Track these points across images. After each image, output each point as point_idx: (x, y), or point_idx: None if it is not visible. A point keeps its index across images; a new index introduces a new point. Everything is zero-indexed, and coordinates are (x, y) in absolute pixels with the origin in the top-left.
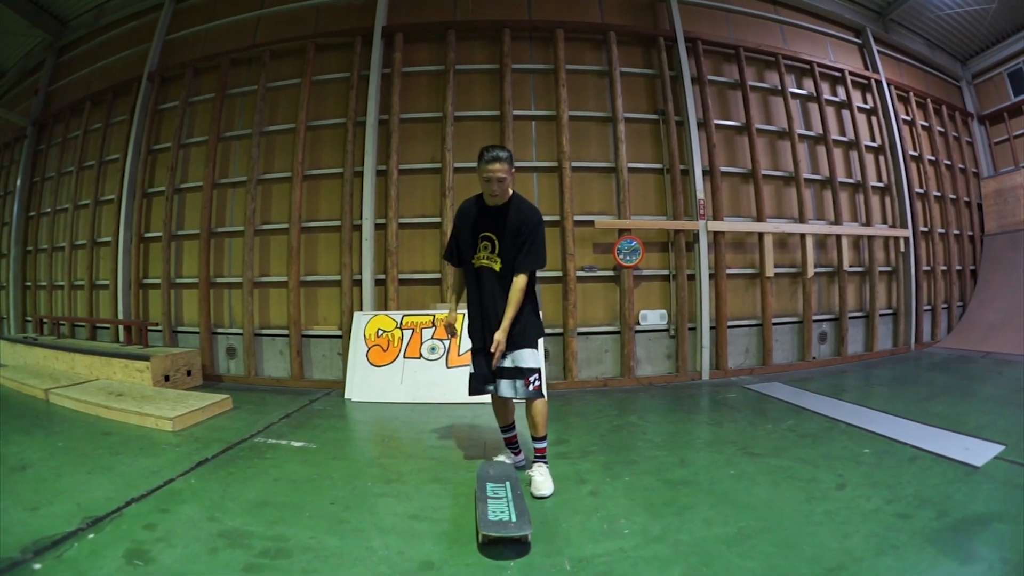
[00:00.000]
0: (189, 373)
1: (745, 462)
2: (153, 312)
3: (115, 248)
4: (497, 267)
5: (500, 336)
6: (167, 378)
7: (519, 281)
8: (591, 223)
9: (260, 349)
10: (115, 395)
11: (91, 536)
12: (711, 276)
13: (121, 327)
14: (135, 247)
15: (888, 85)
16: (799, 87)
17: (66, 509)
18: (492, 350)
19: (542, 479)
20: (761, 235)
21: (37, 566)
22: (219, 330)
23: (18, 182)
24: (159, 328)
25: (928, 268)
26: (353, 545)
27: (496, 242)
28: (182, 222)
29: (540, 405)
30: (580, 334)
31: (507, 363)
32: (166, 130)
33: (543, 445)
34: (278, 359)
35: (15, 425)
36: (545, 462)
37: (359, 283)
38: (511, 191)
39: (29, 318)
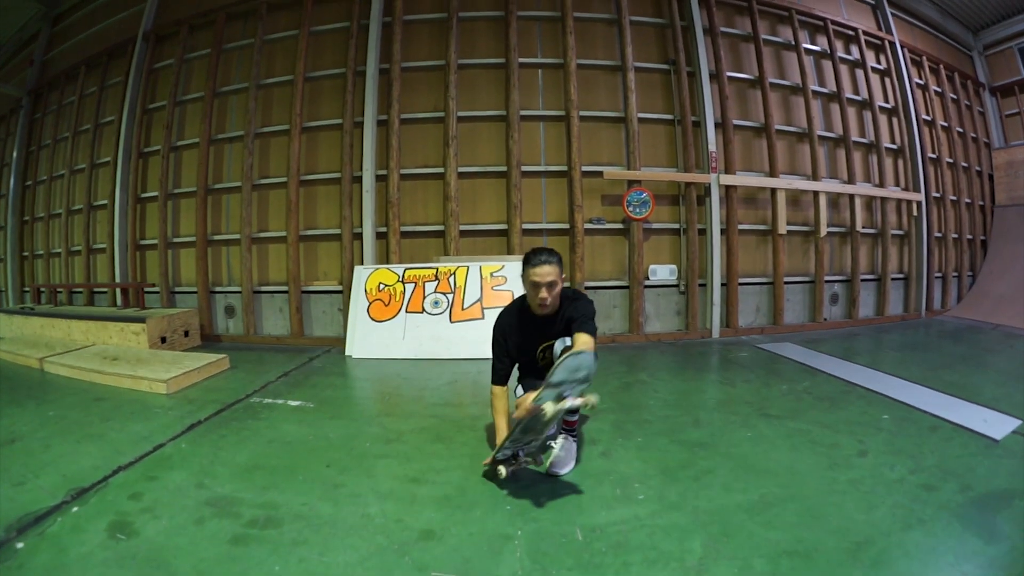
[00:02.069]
0: (187, 334)
1: (762, 424)
2: (151, 274)
3: (111, 211)
4: None
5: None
6: (164, 340)
7: (584, 340)
8: (600, 174)
9: (259, 307)
10: (110, 359)
11: (75, 510)
12: (722, 231)
13: (118, 291)
14: (131, 208)
15: (901, 47)
16: (812, 43)
17: (52, 481)
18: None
19: (565, 454)
20: (774, 191)
21: (20, 545)
22: (217, 289)
23: (14, 154)
24: (156, 290)
25: (939, 235)
26: (348, 512)
27: None
28: (178, 180)
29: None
30: (587, 288)
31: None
32: (162, 88)
33: (575, 417)
34: (277, 317)
35: (7, 397)
36: (574, 437)
37: (360, 236)
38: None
39: (27, 289)
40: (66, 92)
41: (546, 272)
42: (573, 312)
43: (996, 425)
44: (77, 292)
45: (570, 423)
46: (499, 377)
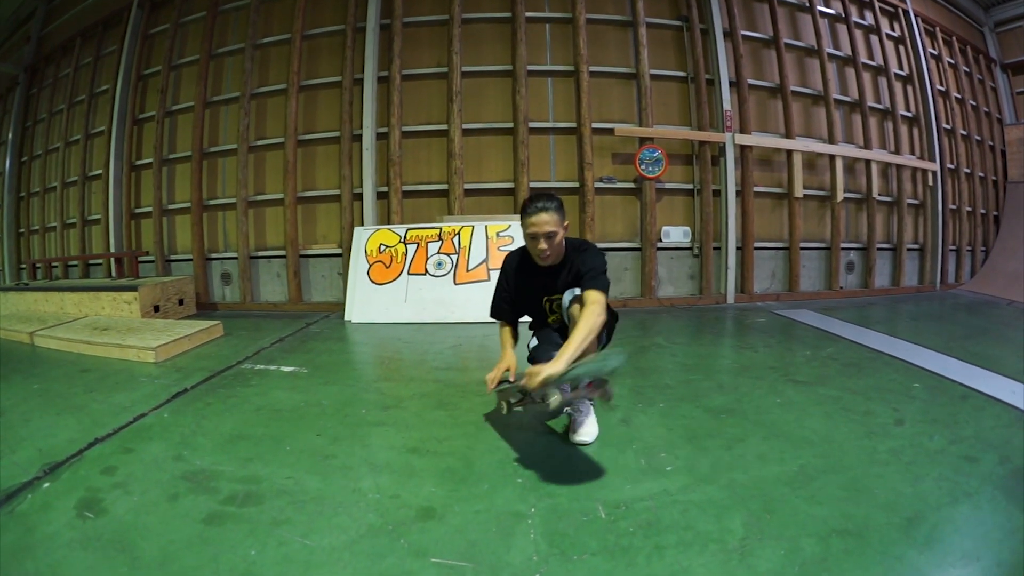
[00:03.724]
0: (181, 302)
1: (790, 390)
2: (146, 243)
3: (106, 180)
4: None
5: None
6: (157, 309)
7: (595, 297)
8: (611, 131)
9: (256, 273)
10: (100, 330)
11: (46, 486)
12: (738, 193)
13: (113, 262)
14: (126, 177)
15: (915, 16)
16: (827, 6)
17: (27, 456)
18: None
19: (586, 421)
20: (790, 153)
21: None
22: (213, 255)
23: (10, 134)
24: (152, 259)
25: (954, 207)
26: (337, 487)
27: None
28: (173, 145)
29: (594, 343)
30: None
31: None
32: (157, 54)
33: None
34: (275, 282)
35: None
36: (591, 401)
37: (360, 197)
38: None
39: (24, 265)
40: (62, 65)
41: (544, 221)
42: (581, 264)
43: None
44: (72, 265)
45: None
46: (496, 311)
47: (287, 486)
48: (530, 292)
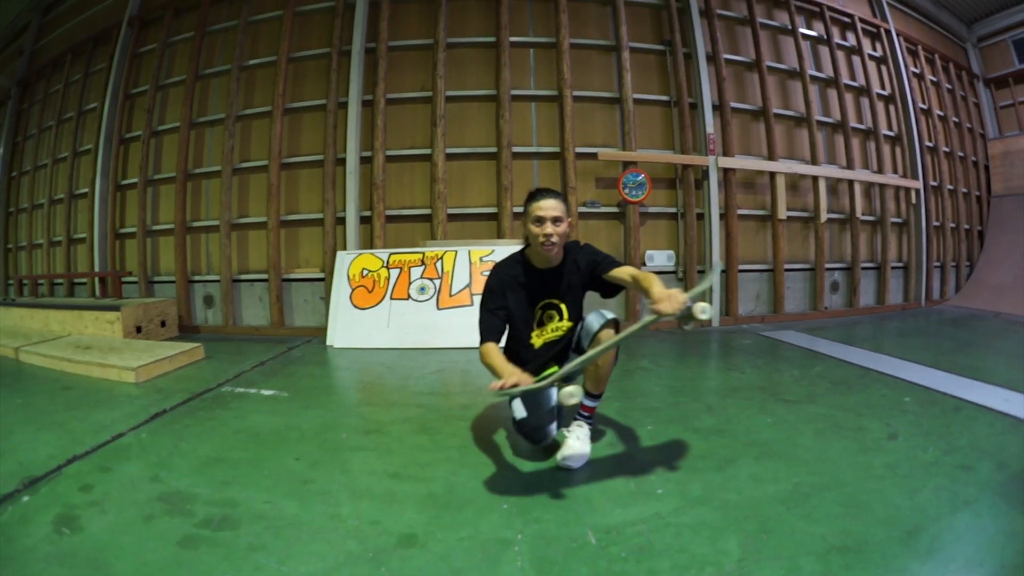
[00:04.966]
0: (163, 324)
1: (780, 409)
2: (130, 263)
3: (92, 199)
4: (564, 328)
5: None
6: (139, 329)
7: (630, 269)
8: (594, 155)
9: (238, 296)
10: (82, 348)
11: (25, 499)
12: (721, 216)
13: (97, 282)
14: (111, 196)
15: (897, 35)
16: (809, 28)
17: (8, 469)
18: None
19: (579, 443)
20: (773, 175)
21: None
22: (196, 278)
23: (0, 148)
24: (135, 280)
25: (938, 224)
26: (315, 512)
27: (565, 307)
28: (159, 166)
29: (611, 356)
30: None
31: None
32: (145, 73)
33: (595, 404)
34: (257, 306)
35: None
36: (590, 423)
37: (343, 221)
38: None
39: (11, 281)
40: (52, 81)
41: (551, 205)
42: (590, 256)
43: (1018, 404)
44: (58, 283)
45: (588, 409)
46: (493, 334)
47: (264, 510)
48: (521, 301)
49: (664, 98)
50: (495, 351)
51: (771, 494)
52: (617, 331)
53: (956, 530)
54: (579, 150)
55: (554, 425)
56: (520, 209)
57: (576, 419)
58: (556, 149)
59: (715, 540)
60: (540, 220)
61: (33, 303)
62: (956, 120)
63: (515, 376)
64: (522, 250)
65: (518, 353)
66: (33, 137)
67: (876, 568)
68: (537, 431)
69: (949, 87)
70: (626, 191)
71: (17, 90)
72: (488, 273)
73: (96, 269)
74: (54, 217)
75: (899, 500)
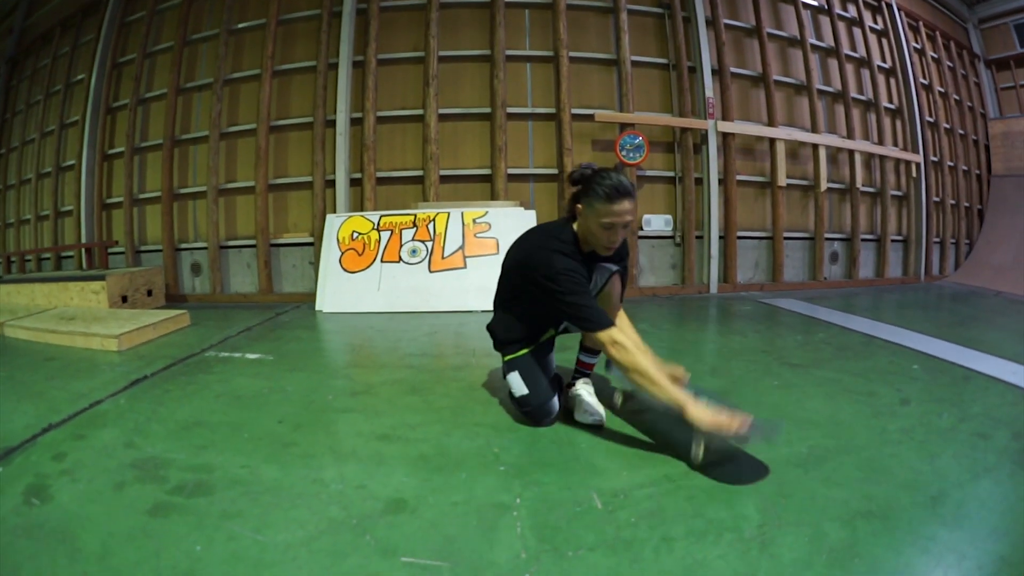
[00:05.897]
0: (150, 293)
1: (787, 372)
2: (116, 233)
3: (79, 170)
4: None
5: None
6: (125, 299)
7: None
8: (591, 117)
9: (226, 263)
10: (66, 319)
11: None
12: (720, 181)
13: (84, 254)
14: (98, 166)
15: (899, 10)
16: None
17: None
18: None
19: (594, 399)
20: (772, 141)
21: None
22: (183, 246)
23: None
24: (122, 250)
25: (938, 199)
26: (297, 477)
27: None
28: (146, 133)
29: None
30: None
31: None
32: (133, 41)
33: (595, 360)
34: (245, 273)
35: None
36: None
37: (332, 183)
38: None
39: (0, 259)
40: (41, 56)
41: (627, 210)
42: (613, 271)
43: None
44: (45, 258)
45: (588, 365)
46: (601, 314)
47: (241, 476)
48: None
49: (662, 61)
50: (659, 373)
51: (786, 456)
52: (623, 280)
53: (980, 497)
54: (575, 111)
55: (556, 400)
56: (514, 171)
57: (576, 376)
58: (552, 110)
59: (731, 504)
60: (611, 227)
61: (19, 279)
62: (957, 98)
63: (736, 420)
64: (571, 225)
65: (535, 328)
66: (21, 113)
67: (905, 535)
68: (540, 409)
69: (950, 65)
70: (623, 153)
71: (6, 68)
72: (545, 249)
73: (83, 241)
74: (41, 191)
75: (919, 465)
